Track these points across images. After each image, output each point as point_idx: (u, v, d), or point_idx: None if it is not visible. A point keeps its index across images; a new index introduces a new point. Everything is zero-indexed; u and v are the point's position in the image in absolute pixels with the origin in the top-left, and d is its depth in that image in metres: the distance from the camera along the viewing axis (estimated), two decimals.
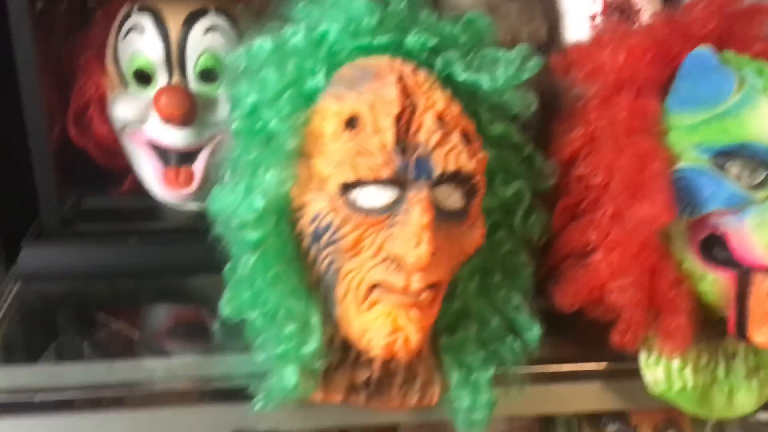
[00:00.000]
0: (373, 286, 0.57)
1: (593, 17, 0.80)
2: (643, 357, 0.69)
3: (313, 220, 0.59)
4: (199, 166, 0.84)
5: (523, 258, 0.68)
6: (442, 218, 0.57)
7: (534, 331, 0.65)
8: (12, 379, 0.66)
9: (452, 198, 0.59)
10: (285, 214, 0.60)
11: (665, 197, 0.61)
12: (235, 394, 0.65)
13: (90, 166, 0.90)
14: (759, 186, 0.63)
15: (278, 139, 0.59)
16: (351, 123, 0.58)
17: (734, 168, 0.63)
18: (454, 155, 0.57)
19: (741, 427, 0.94)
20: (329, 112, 0.59)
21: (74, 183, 0.88)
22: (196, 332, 0.77)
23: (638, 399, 0.73)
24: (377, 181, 0.56)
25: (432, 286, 0.57)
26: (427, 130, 0.57)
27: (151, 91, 0.82)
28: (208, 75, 0.83)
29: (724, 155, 0.63)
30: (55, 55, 0.85)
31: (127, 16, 0.83)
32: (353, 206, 0.57)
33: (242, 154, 0.62)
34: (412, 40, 0.64)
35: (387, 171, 0.56)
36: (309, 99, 0.61)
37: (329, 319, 0.61)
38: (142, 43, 0.82)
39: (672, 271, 0.65)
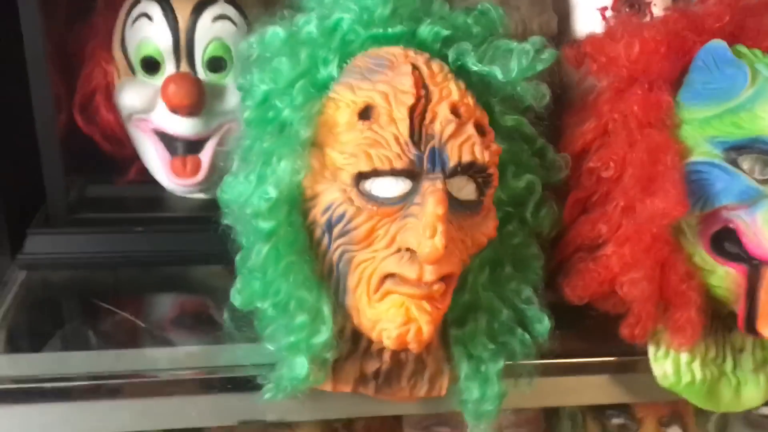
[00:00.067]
0: (386, 277, 0.57)
1: (603, 10, 0.80)
2: (651, 350, 0.69)
3: (326, 210, 0.59)
4: (206, 155, 0.84)
5: (533, 250, 0.67)
6: (456, 210, 0.57)
7: (544, 324, 0.65)
8: (18, 367, 0.67)
9: (466, 189, 0.58)
10: (297, 204, 0.60)
11: (678, 191, 0.61)
12: (243, 384, 0.65)
13: (95, 154, 0.89)
14: None
15: (291, 129, 0.59)
16: (365, 113, 0.58)
17: (746, 162, 0.63)
18: (468, 147, 0.57)
19: (744, 421, 0.95)
20: (343, 102, 0.59)
21: (79, 171, 0.88)
22: (203, 322, 0.76)
23: (644, 392, 0.73)
24: (392, 172, 0.56)
25: (444, 278, 0.57)
26: (441, 121, 0.57)
27: (159, 79, 0.82)
28: (216, 63, 0.82)
29: (736, 149, 0.63)
30: (62, 42, 0.85)
31: (136, 3, 0.83)
32: (367, 197, 0.57)
33: (254, 144, 0.62)
34: (425, 30, 0.64)
35: (402, 162, 0.56)
36: (322, 88, 0.61)
37: (340, 310, 0.61)
38: (150, 30, 0.81)
39: (683, 265, 0.65)
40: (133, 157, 0.89)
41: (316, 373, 0.61)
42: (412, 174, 0.57)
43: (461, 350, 0.65)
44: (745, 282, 0.64)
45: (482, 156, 0.57)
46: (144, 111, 0.83)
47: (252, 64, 0.64)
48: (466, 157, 0.57)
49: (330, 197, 0.58)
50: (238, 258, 0.64)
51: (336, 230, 0.58)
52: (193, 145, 0.84)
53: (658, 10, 0.81)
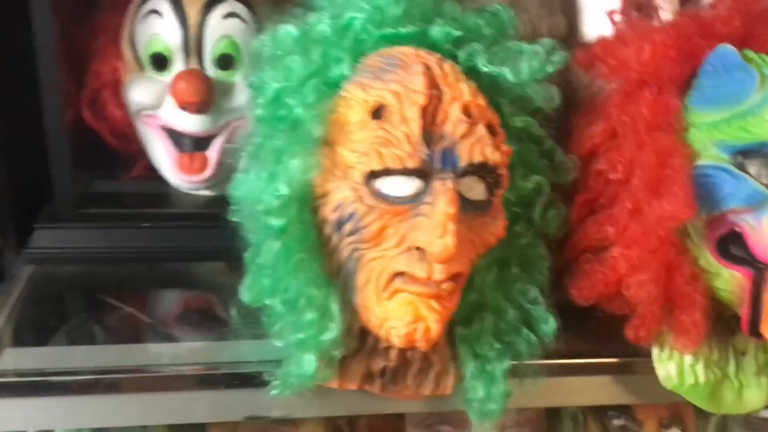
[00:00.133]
0: (395, 276, 0.58)
1: (612, 13, 0.80)
2: (655, 352, 0.69)
3: (337, 208, 0.59)
4: (213, 152, 0.84)
5: (540, 251, 0.68)
6: (466, 209, 0.58)
7: (550, 324, 0.66)
8: (24, 361, 0.66)
9: (476, 190, 0.59)
10: (307, 201, 0.60)
11: (686, 194, 0.62)
12: (249, 380, 0.66)
13: (101, 149, 0.89)
14: None
15: (303, 127, 0.59)
16: (377, 112, 0.58)
17: (753, 166, 0.64)
18: (479, 147, 0.57)
19: (744, 424, 0.95)
20: (355, 101, 0.59)
21: (85, 166, 0.88)
22: (208, 318, 0.77)
23: (647, 394, 0.74)
24: (403, 171, 0.56)
25: (453, 277, 0.58)
26: (453, 121, 0.57)
27: (168, 76, 0.82)
28: (225, 61, 0.83)
29: (743, 153, 0.64)
30: (70, 37, 0.85)
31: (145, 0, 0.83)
32: (378, 195, 0.57)
33: (265, 141, 0.62)
34: (436, 30, 0.64)
35: (413, 161, 0.56)
36: (333, 87, 0.61)
37: (348, 307, 0.61)
38: (160, 27, 0.81)
39: (688, 268, 0.66)
40: (139, 153, 0.89)
41: (323, 371, 0.62)
42: (423, 173, 0.57)
43: (467, 349, 0.65)
44: (749, 285, 0.65)
45: (493, 156, 0.58)
46: (152, 107, 0.83)
47: (264, 62, 0.64)
48: (477, 158, 0.57)
49: (341, 195, 0.59)
50: (247, 255, 0.64)
51: (346, 228, 0.59)
52: (201, 142, 0.84)
53: (666, 13, 0.82)
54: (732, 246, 0.65)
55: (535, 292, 0.67)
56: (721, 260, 0.66)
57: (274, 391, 0.63)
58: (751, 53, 0.67)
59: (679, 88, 0.67)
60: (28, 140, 0.81)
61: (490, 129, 0.59)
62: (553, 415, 0.93)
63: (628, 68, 0.66)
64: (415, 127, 0.57)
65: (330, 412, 0.68)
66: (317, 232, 0.61)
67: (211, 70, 0.82)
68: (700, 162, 0.65)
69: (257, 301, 0.63)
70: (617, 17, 0.80)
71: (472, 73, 0.63)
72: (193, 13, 0.81)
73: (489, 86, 0.63)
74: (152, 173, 0.88)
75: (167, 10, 0.81)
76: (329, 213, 0.60)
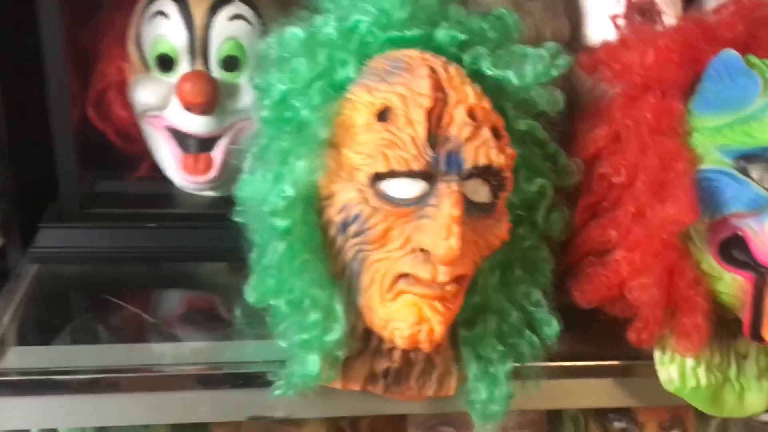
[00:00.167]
0: (399, 277, 0.58)
1: (615, 17, 0.81)
2: (657, 355, 0.70)
3: (342, 209, 0.59)
4: (218, 153, 0.85)
5: (544, 254, 0.68)
6: (470, 212, 0.58)
7: (553, 327, 0.66)
8: (28, 360, 0.67)
9: (480, 192, 0.59)
10: (312, 202, 0.61)
11: (689, 198, 0.62)
12: (252, 380, 0.66)
13: (107, 149, 0.90)
14: None
15: (309, 129, 0.60)
16: (383, 115, 0.58)
17: (756, 171, 0.64)
18: (484, 150, 0.58)
19: (744, 427, 0.96)
20: (361, 103, 0.60)
21: (91, 166, 0.88)
22: (212, 318, 0.77)
23: (648, 396, 0.74)
24: (408, 173, 0.57)
25: (457, 279, 0.58)
26: (458, 124, 0.58)
27: (173, 77, 0.83)
28: (230, 62, 0.83)
29: (746, 158, 0.64)
30: (76, 38, 0.85)
31: (152, 0, 0.83)
32: (383, 197, 0.58)
33: (271, 143, 0.62)
34: (441, 34, 0.64)
35: (418, 163, 0.57)
36: (339, 89, 0.62)
37: (352, 308, 0.62)
38: (166, 28, 0.82)
39: (690, 271, 0.66)
40: (144, 154, 0.89)
41: (327, 371, 0.62)
42: (428, 176, 0.57)
43: (470, 351, 0.65)
44: (751, 289, 0.65)
45: (498, 159, 0.58)
46: (158, 108, 0.84)
47: (270, 64, 0.64)
48: (482, 160, 0.58)
49: (346, 197, 0.59)
50: (252, 255, 0.64)
51: (351, 229, 0.59)
52: (206, 143, 0.84)
53: (669, 18, 0.82)
54: (734, 250, 0.65)
55: (538, 294, 0.67)
56: (723, 264, 0.66)
57: (277, 392, 0.63)
58: (754, 58, 0.68)
59: (682, 92, 0.68)
60: (33, 140, 0.82)
61: (495, 132, 0.59)
62: (554, 417, 0.94)
63: (632, 72, 0.67)
64: (421, 129, 0.57)
65: (333, 412, 0.69)
66: (322, 234, 0.61)
67: (217, 72, 0.83)
68: (703, 166, 0.66)
69: (262, 301, 0.63)
70: (620, 21, 0.81)
71: (476, 76, 0.64)
72: (199, 14, 0.81)
73: (493, 89, 0.64)
74: (157, 174, 0.88)
75: (173, 11, 0.81)
76: (334, 214, 0.60)
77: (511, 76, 0.64)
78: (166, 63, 0.83)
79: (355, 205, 0.59)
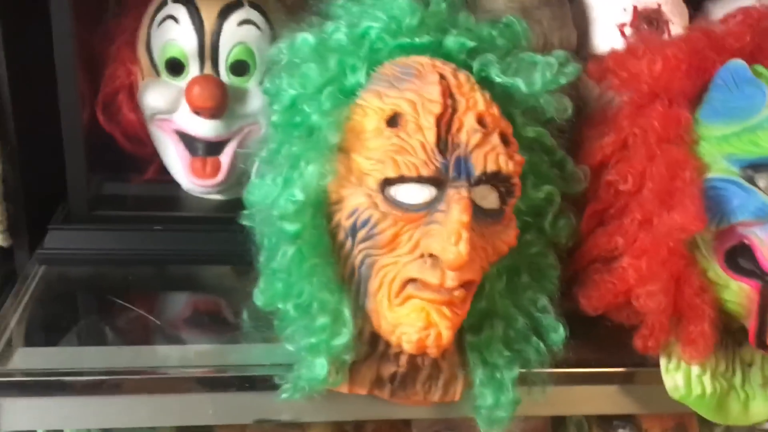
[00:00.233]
0: (408, 282, 0.58)
1: (622, 26, 0.81)
2: (663, 362, 0.70)
3: (351, 214, 0.60)
4: (226, 157, 0.85)
5: (550, 260, 0.69)
6: (478, 218, 0.58)
7: (559, 333, 0.66)
8: (34, 361, 0.67)
9: (489, 198, 0.60)
10: (322, 207, 0.61)
11: (696, 206, 0.63)
12: (258, 383, 0.66)
13: (115, 152, 0.90)
14: None
15: (319, 134, 0.60)
16: (393, 120, 0.59)
17: (763, 180, 0.64)
18: (493, 156, 0.58)
19: None
20: (371, 109, 0.60)
21: (99, 169, 0.88)
22: (219, 320, 0.77)
23: (653, 404, 0.74)
24: (418, 179, 0.57)
25: (465, 284, 0.58)
26: (467, 131, 0.58)
27: (183, 81, 0.83)
28: (239, 67, 0.84)
29: (753, 167, 0.65)
30: (87, 41, 0.86)
31: (162, 5, 0.84)
32: (392, 202, 0.58)
33: (281, 147, 0.63)
34: (451, 41, 0.65)
35: (428, 169, 0.57)
36: (349, 95, 0.62)
37: (359, 313, 0.62)
38: (176, 32, 0.82)
39: (697, 279, 0.66)
40: (151, 157, 0.90)
41: (334, 375, 0.62)
42: (438, 181, 0.58)
43: (477, 356, 0.66)
44: (757, 297, 0.65)
45: (507, 166, 0.58)
46: (167, 111, 0.84)
47: (280, 69, 0.65)
48: (491, 167, 0.58)
49: (355, 202, 0.59)
50: (260, 259, 0.64)
51: (360, 234, 0.59)
52: (214, 147, 0.85)
53: (676, 27, 0.83)
54: (740, 258, 0.66)
55: (544, 300, 0.67)
56: (729, 272, 0.66)
57: (284, 395, 0.63)
58: (761, 68, 0.68)
59: (689, 101, 0.68)
60: (42, 142, 0.82)
61: (504, 138, 0.59)
62: (558, 423, 0.94)
63: (640, 81, 0.67)
64: (430, 135, 0.58)
65: (339, 416, 0.69)
66: (331, 238, 0.62)
67: (226, 76, 0.83)
68: (710, 175, 0.66)
69: (270, 304, 0.63)
70: (628, 30, 0.81)
71: (485, 83, 0.64)
72: (209, 19, 0.82)
73: (502, 96, 0.64)
74: (165, 176, 0.89)
75: (184, 16, 0.82)
76: (344, 219, 0.60)
77: (520, 84, 0.64)
78: (175, 67, 0.84)
79: (364, 210, 0.59)
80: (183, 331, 0.75)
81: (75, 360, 0.67)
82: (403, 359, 0.64)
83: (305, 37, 0.64)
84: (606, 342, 0.73)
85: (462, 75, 0.61)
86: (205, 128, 0.83)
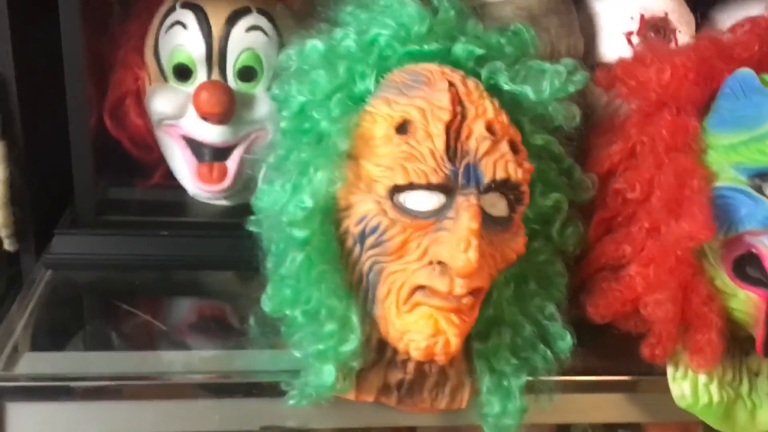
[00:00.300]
0: (416, 289, 0.58)
1: (629, 34, 0.82)
2: (670, 371, 0.70)
3: (360, 221, 0.60)
4: (232, 162, 0.85)
5: (558, 268, 0.69)
6: (487, 225, 0.58)
7: (566, 341, 0.66)
8: (40, 366, 0.67)
9: (498, 206, 0.60)
10: (330, 213, 0.61)
11: (704, 215, 0.63)
12: (265, 390, 0.66)
13: (122, 157, 0.90)
14: None
15: (328, 140, 0.60)
16: (402, 127, 0.59)
17: None
18: (502, 164, 0.58)
19: None
20: (380, 116, 0.60)
21: (106, 174, 0.89)
22: (226, 326, 0.77)
23: (659, 412, 0.74)
24: (427, 186, 0.57)
25: (474, 292, 0.58)
26: (477, 138, 0.58)
27: (190, 86, 0.83)
28: (246, 73, 0.84)
29: (761, 176, 0.65)
30: (94, 46, 0.86)
31: (170, 11, 0.84)
32: (401, 209, 0.58)
33: (290, 153, 0.63)
34: (459, 48, 0.65)
35: (437, 176, 0.57)
36: (358, 102, 0.62)
37: (367, 319, 0.62)
38: (184, 38, 0.82)
39: (704, 288, 0.66)
40: (158, 162, 0.90)
41: (341, 382, 0.62)
42: (447, 189, 0.58)
43: (484, 364, 0.65)
44: (765, 306, 0.65)
45: (516, 173, 0.58)
46: (174, 117, 0.84)
47: (290, 76, 0.65)
48: (500, 174, 0.58)
49: (364, 208, 0.59)
50: (268, 265, 0.65)
51: (369, 241, 0.59)
52: (221, 152, 0.85)
53: (683, 36, 0.83)
54: (748, 267, 0.66)
55: (552, 308, 0.67)
56: (737, 281, 0.66)
57: (291, 401, 0.63)
58: None
59: (697, 110, 0.68)
60: (49, 147, 0.82)
61: (513, 146, 0.60)
62: (563, 431, 0.93)
63: (648, 89, 0.67)
64: (440, 142, 0.58)
65: (345, 423, 0.69)
66: (339, 244, 0.62)
67: (233, 82, 0.84)
68: (718, 183, 0.66)
69: (278, 311, 0.63)
70: (635, 39, 0.81)
71: (493, 90, 0.64)
72: (217, 25, 0.82)
73: (510, 104, 0.64)
74: (171, 182, 0.89)
75: (192, 22, 0.82)
76: (352, 225, 0.60)
77: (529, 91, 0.65)
78: (183, 73, 0.84)
79: (373, 217, 0.59)
80: (189, 336, 0.75)
81: (81, 365, 0.67)
82: (411, 366, 0.64)
83: (314, 44, 0.64)
84: (613, 350, 0.73)
85: (471, 82, 0.62)
86: (212, 134, 0.83)
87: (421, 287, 0.58)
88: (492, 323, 0.66)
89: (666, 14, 0.84)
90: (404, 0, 0.64)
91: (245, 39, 0.82)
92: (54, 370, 0.66)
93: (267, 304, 0.64)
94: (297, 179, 0.60)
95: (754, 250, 0.65)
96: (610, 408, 0.74)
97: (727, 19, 0.85)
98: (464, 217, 0.56)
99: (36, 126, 0.82)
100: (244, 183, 0.85)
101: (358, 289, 0.62)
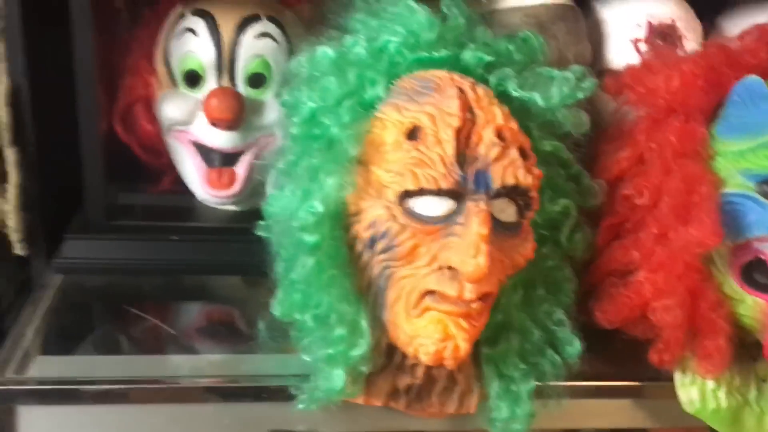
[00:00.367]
0: (426, 294, 0.59)
1: (636, 41, 0.82)
2: (678, 376, 0.70)
3: (370, 226, 0.60)
4: (241, 168, 0.86)
5: (566, 273, 0.69)
6: (497, 231, 0.59)
7: (575, 346, 0.66)
8: (52, 370, 0.67)
9: (507, 211, 0.60)
10: (340, 219, 0.61)
11: (713, 221, 0.63)
12: (274, 394, 0.66)
13: (132, 162, 0.91)
14: None
15: (339, 146, 0.61)
16: (412, 134, 0.59)
17: None
18: (512, 169, 0.59)
19: None
20: (390, 122, 0.61)
21: (116, 179, 0.89)
22: (234, 330, 0.78)
23: (667, 418, 0.74)
24: (437, 192, 0.58)
25: (483, 297, 0.59)
26: (486, 144, 0.59)
27: (200, 93, 0.84)
28: (256, 79, 0.84)
29: None
30: (105, 52, 0.86)
31: (181, 18, 0.85)
32: (411, 214, 0.58)
33: (300, 159, 0.63)
34: (468, 55, 0.66)
35: (447, 182, 0.58)
36: (368, 108, 0.63)
37: (376, 324, 0.62)
38: (194, 45, 0.83)
39: (713, 294, 0.66)
40: (167, 167, 0.91)
41: (350, 386, 0.63)
42: (457, 194, 0.58)
43: (492, 369, 0.66)
44: None
45: (525, 179, 0.59)
46: (184, 123, 0.85)
47: (300, 82, 0.66)
48: (510, 180, 0.58)
49: (374, 214, 0.60)
50: (278, 270, 0.65)
51: (379, 246, 0.60)
52: (230, 158, 0.85)
53: (690, 43, 0.83)
54: (756, 273, 0.66)
55: (560, 313, 0.67)
56: (745, 287, 0.66)
57: (300, 405, 0.63)
58: None
59: (705, 117, 0.69)
60: (60, 152, 0.83)
61: (522, 152, 0.60)
62: None
63: (657, 96, 0.68)
64: (450, 148, 0.58)
65: (354, 427, 0.69)
66: (349, 249, 0.62)
67: (243, 88, 0.84)
68: (726, 190, 0.66)
69: (288, 315, 0.64)
70: (642, 46, 0.82)
71: (502, 97, 0.65)
72: (227, 32, 0.83)
73: (519, 110, 0.65)
74: (180, 187, 0.89)
75: (202, 29, 0.83)
76: (362, 231, 0.61)
77: (537, 98, 0.65)
78: (193, 79, 0.85)
79: (383, 222, 0.59)
80: (198, 340, 0.75)
81: (91, 369, 0.68)
82: (419, 371, 0.64)
83: (325, 51, 0.65)
84: (621, 356, 0.73)
85: (480, 89, 0.62)
86: (221, 139, 0.84)
87: (430, 292, 0.58)
88: (501, 328, 0.66)
89: (673, 21, 0.84)
90: (414, 7, 0.65)
91: (255, 46, 0.83)
92: (65, 373, 0.67)
93: (277, 308, 0.64)
94: (307, 185, 0.61)
95: (762, 256, 0.65)
96: (618, 413, 0.74)
97: (733, 27, 0.86)
98: (474, 223, 0.56)
99: (47, 132, 0.83)
100: (253, 188, 0.86)
101: (368, 294, 0.62)
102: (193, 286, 0.83)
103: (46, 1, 0.80)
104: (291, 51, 0.84)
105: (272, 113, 0.84)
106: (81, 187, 0.82)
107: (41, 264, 0.83)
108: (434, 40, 0.65)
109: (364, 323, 0.61)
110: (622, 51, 0.84)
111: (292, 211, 0.61)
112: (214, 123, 0.82)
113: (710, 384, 0.69)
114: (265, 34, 0.83)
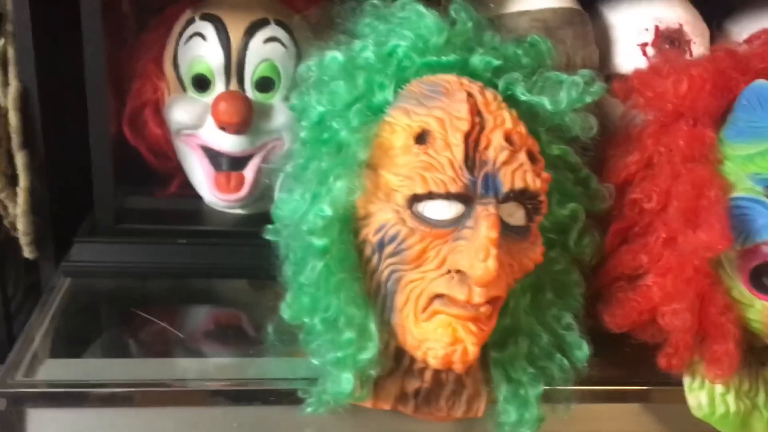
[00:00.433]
0: (434, 298, 0.59)
1: (644, 46, 0.82)
2: (687, 381, 0.70)
3: (379, 230, 0.60)
4: (249, 171, 0.86)
5: (575, 277, 0.69)
6: (505, 234, 0.59)
7: (583, 350, 0.66)
8: (61, 373, 0.68)
9: (516, 215, 0.60)
10: (349, 222, 0.62)
11: (722, 225, 0.63)
12: (282, 397, 0.66)
13: (140, 166, 0.91)
14: None
15: (348, 150, 0.61)
16: (421, 138, 0.59)
17: None
18: (520, 174, 0.59)
19: None
20: (399, 126, 0.61)
21: (125, 182, 0.89)
22: (243, 334, 0.78)
23: (676, 422, 0.74)
24: (446, 196, 0.58)
25: (492, 301, 0.59)
26: (495, 148, 0.59)
27: (208, 97, 0.84)
28: (264, 83, 0.85)
29: None
30: (114, 56, 0.87)
31: (190, 22, 0.85)
32: (420, 218, 0.59)
33: (309, 163, 0.64)
34: (477, 59, 0.66)
35: (456, 186, 0.58)
36: (377, 112, 0.63)
37: (385, 328, 0.62)
38: (203, 49, 0.84)
39: (721, 298, 0.66)
40: (176, 171, 0.91)
41: (359, 390, 0.63)
42: (466, 198, 0.58)
43: (501, 373, 0.66)
44: None
45: (534, 183, 0.59)
46: (193, 127, 0.85)
47: (309, 86, 0.66)
48: (519, 184, 0.58)
49: (383, 217, 0.60)
50: (287, 273, 0.65)
51: (387, 250, 0.60)
52: (238, 162, 0.86)
53: (698, 47, 0.83)
54: (765, 277, 0.66)
55: (568, 317, 0.67)
56: (753, 291, 0.66)
57: (308, 409, 0.63)
58: None
59: (714, 121, 0.69)
60: (69, 156, 0.83)
61: (531, 156, 0.60)
62: None
63: (665, 100, 0.68)
64: (458, 152, 0.58)
65: (362, 431, 0.69)
66: (358, 253, 0.62)
67: (251, 92, 0.85)
68: (735, 194, 0.66)
69: (297, 318, 0.64)
70: (649, 50, 0.82)
71: (510, 101, 0.65)
72: (235, 37, 0.83)
73: (527, 115, 0.65)
74: (189, 191, 0.90)
75: (211, 33, 0.83)
76: (371, 234, 0.61)
77: (546, 102, 0.65)
78: (202, 83, 0.85)
79: (392, 226, 0.59)
80: (206, 344, 0.76)
81: (100, 372, 0.68)
82: (428, 375, 0.64)
83: (334, 55, 0.65)
84: (629, 360, 0.72)
85: (489, 93, 0.62)
86: (229, 143, 0.84)
87: (439, 296, 0.59)
88: (509, 332, 0.66)
89: (681, 26, 0.84)
90: (422, 12, 0.65)
91: (263, 50, 0.83)
92: (73, 376, 0.67)
93: (286, 311, 0.64)
94: (316, 188, 0.61)
95: None
96: (627, 418, 0.74)
97: (741, 31, 0.86)
98: (483, 227, 0.56)
99: (57, 136, 0.83)
100: (261, 192, 0.86)
101: (377, 298, 0.62)
102: (201, 290, 0.83)
103: (55, 6, 0.80)
104: (299, 55, 0.84)
105: (280, 117, 0.84)
106: (90, 190, 0.82)
107: (50, 267, 0.84)
108: (443, 44, 0.65)
109: (372, 327, 0.61)
110: (629, 55, 0.84)
111: (301, 215, 0.61)
112: (223, 127, 0.82)
113: (719, 388, 0.69)
114: (273, 39, 0.84)
